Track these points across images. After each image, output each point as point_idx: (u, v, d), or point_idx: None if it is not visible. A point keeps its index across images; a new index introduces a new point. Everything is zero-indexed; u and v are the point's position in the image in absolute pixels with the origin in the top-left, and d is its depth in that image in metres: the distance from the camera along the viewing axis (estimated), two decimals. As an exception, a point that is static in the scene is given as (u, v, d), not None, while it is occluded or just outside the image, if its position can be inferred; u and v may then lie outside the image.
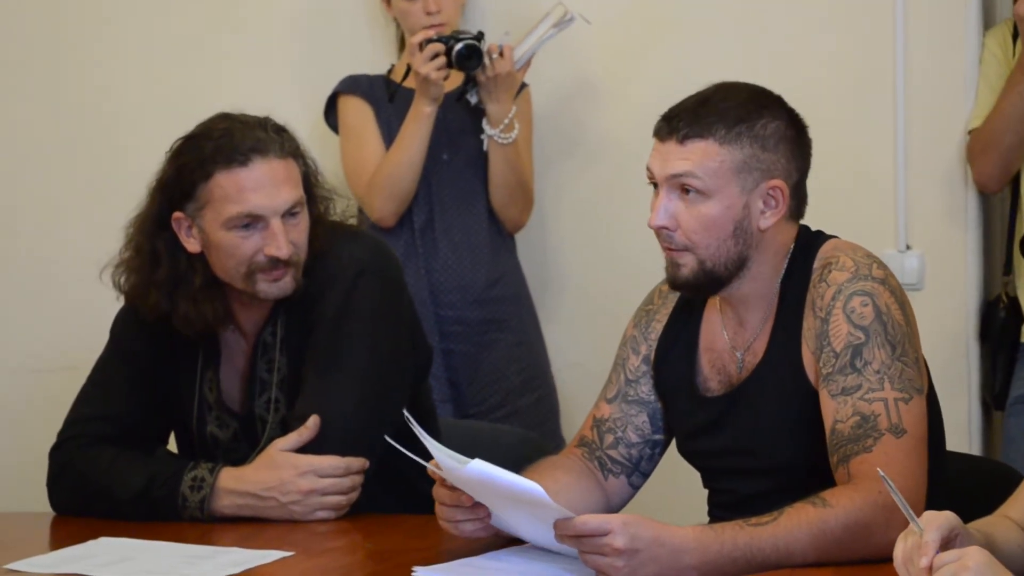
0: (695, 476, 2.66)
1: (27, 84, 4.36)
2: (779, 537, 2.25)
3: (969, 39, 3.90)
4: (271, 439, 2.77)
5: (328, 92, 4.00)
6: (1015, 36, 3.77)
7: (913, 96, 3.95)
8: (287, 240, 2.74)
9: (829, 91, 3.94)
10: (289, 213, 2.76)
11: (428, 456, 2.39)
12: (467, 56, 3.80)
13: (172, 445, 2.98)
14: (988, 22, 3.96)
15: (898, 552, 1.97)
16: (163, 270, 2.80)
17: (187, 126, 2.83)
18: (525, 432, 3.44)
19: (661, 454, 2.67)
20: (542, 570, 2.32)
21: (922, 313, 2.59)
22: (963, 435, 3.90)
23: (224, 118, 2.80)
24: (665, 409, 2.64)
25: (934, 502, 2.25)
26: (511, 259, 4.03)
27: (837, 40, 4.00)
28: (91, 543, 2.62)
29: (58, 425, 2.90)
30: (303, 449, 2.72)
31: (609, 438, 2.64)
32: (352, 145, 3.96)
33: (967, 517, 2.07)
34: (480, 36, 3.84)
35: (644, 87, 4.05)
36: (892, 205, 3.97)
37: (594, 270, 4.17)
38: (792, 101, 2.53)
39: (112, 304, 2.94)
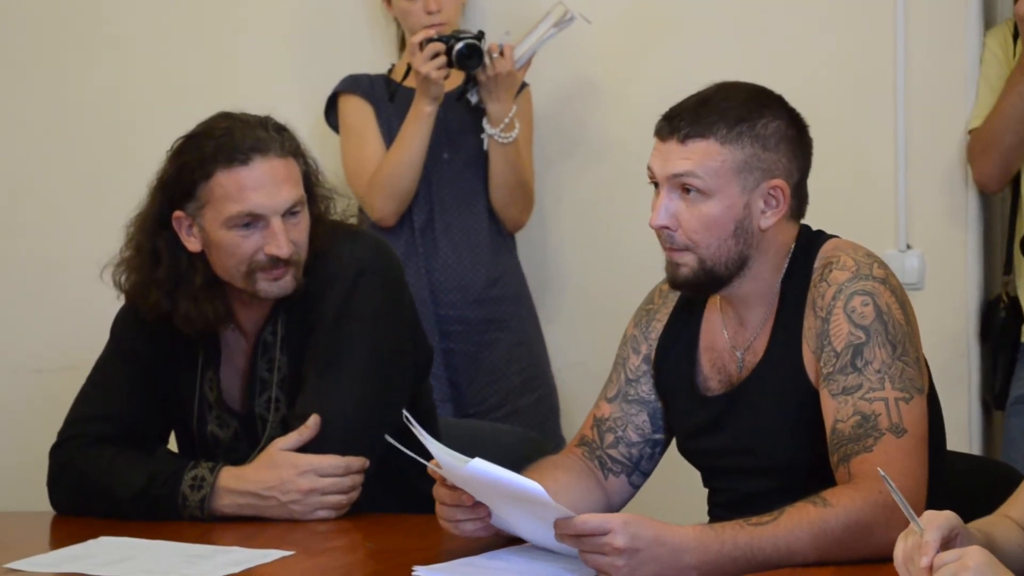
0: (695, 475, 2.66)
1: (28, 84, 4.36)
2: (780, 537, 2.25)
3: (970, 39, 3.90)
4: (271, 438, 2.77)
5: (328, 91, 4.00)
6: (1016, 36, 3.77)
7: (914, 96, 3.95)
8: (287, 239, 2.74)
9: (830, 91, 3.94)
10: (289, 212, 2.76)
11: (429, 456, 2.39)
12: (467, 55, 3.80)
13: (172, 444, 2.98)
14: (989, 22, 3.96)
15: (898, 552, 1.97)
16: (164, 269, 2.80)
17: (188, 125, 2.83)
18: (525, 432, 3.44)
19: (661, 453, 2.67)
20: (542, 569, 2.32)
21: (922, 313, 2.59)
22: (963, 435, 3.91)
23: (225, 117, 2.80)
24: (665, 408, 2.64)
25: (934, 502, 2.25)
26: (511, 259, 4.03)
27: (837, 40, 4.00)
28: (91, 542, 2.62)
29: (58, 425, 2.90)
30: (303, 448, 2.72)
31: (609, 437, 2.64)
32: (352, 144, 3.96)
33: (967, 517, 2.07)
34: (480, 35, 3.84)
35: (644, 87, 4.05)
36: (892, 205, 3.97)
37: (594, 270, 4.17)
38: (793, 101, 2.53)
39: (112, 304, 2.94)
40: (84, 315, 3.74)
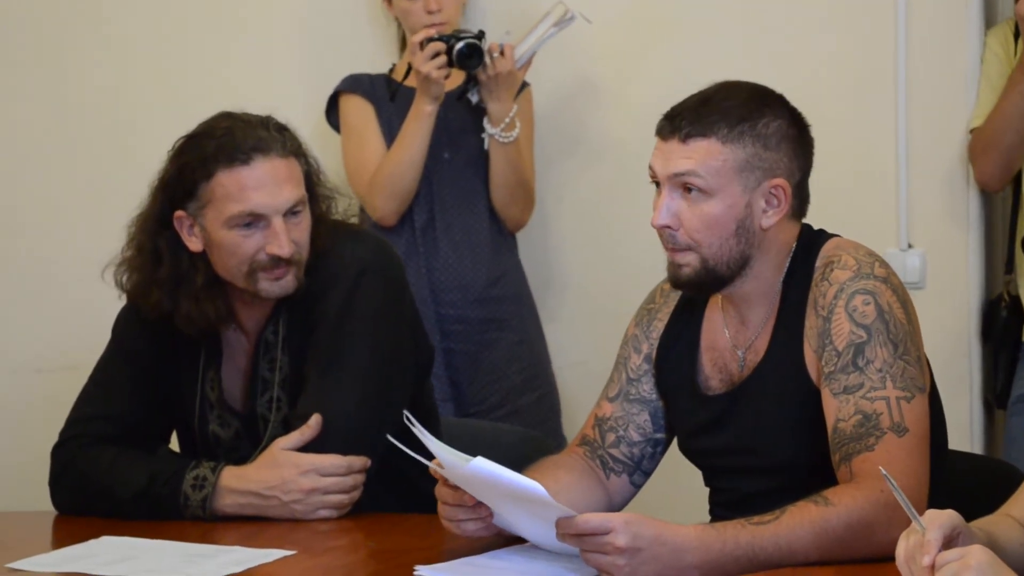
0: (696, 475, 2.66)
1: (28, 84, 4.36)
2: (781, 536, 2.25)
3: (971, 38, 3.90)
4: (273, 438, 2.77)
5: (329, 91, 4.00)
6: (1017, 35, 3.77)
7: (915, 95, 3.95)
8: (289, 239, 2.75)
9: (831, 90, 3.94)
10: (291, 212, 2.76)
11: (430, 455, 2.39)
12: (468, 55, 3.80)
13: (174, 444, 2.98)
14: (990, 21, 3.96)
15: (900, 551, 1.97)
16: (165, 269, 2.80)
17: (188, 126, 2.83)
18: (526, 431, 3.44)
19: (663, 453, 2.67)
20: (544, 569, 2.32)
21: (924, 312, 2.59)
22: (965, 434, 3.91)
23: (226, 117, 2.80)
24: (667, 408, 2.64)
25: (936, 501, 2.25)
26: (512, 258, 4.03)
27: (839, 39, 4.00)
28: (93, 542, 2.62)
29: (60, 424, 2.90)
30: (305, 448, 2.72)
31: (611, 437, 2.64)
32: (353, 144, 3.96)
33: (969, 516, 2.07)
34: (481, 35, 3.84)
35: (645, 86, 4.05)
36: (894, 204, 3.97)
37: (595, 269, 4.17)
38: (794, 100, 2.53)
39: (113, 303, 2.94)
40: (85, 315, 3.74)
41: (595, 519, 2.22)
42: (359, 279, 2.81)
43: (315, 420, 2.73)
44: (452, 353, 3.93)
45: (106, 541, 2.62)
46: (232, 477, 2.73)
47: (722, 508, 2.58)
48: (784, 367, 2.49)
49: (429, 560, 2.37)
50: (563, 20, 3.87)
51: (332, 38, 4.23)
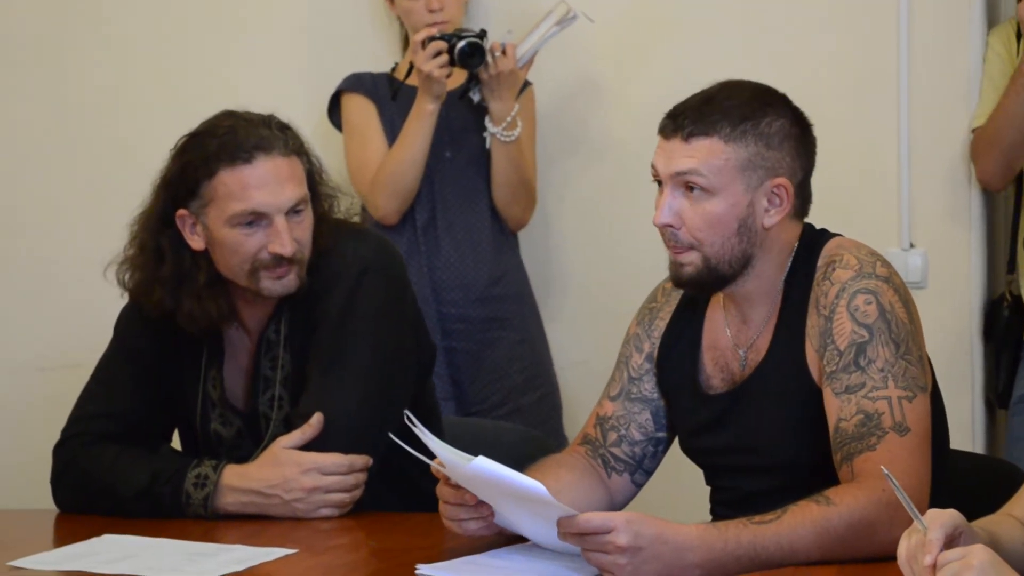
0: (698, 474, 2.66)
1: (28, 84, 4.36)
2: (783, 535, 2.25)
3: (973, 38, 3.90)
4: (275, 436, 2.77)
5: (332, 90, 4.00)
6: (1019, 35, 3.77)
7: (917, 94, 3.95)
8: (291, 238, 2.75)
9: (832, 90, 3.94)
10: (293, 211, 2.76)
11: (432, 454, 2.39)
12: (469, 54, 3.80)
13: (176, 443, 2.98)
14: (992, 21, 3.96)
15: (902, 550, 1.97)
16: (167, 267, 2.80)
17: (189, 125, 2.83)
18: (528, 430, 3.44)
19: (664, 452, 2.67)
20: (545, 568, 2.32)
21: (926, 311, 2.59)
22: (967, 433, 3.91)
23: (228, 116, 2.80)
24: (668, 407, 2.64)
25: (938, 500, 2.25)
26: (513, 257, 4.03)
27: (841, 39, 4.00)
28: (95, 540, 2.61)
29: (61, 423, 2.90)
30: (307, 447, 2.72)
31: (612, 436, 2.64)
32: (355, 143, 3.96)
33: (971, 515, 2.07)
34: (483, 34, 3.84)
35: (647, 85, 4.05)
36: (896, 203, 3.97)
37: (597, 268, 4.17)
38: (796, 100, 2.53)
39: (114, 302, 2.94)
40: (86, 313, 3.74)
41: (597, 518, 2.22)
42: (361, 278, 2.81)
43: (317, 419, 2.73)
44: (453, 352, 3.93)
45: (108, 539, 2.62)
46: (234, 476, 2.73)
47: (723, 507, 2.58)
48: (786, 366, 2.48)
49: (430, 559, 2.37)
50: (565, 19, 3.87)
51: (334, 37, 4.23)
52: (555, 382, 4.04)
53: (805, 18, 4.02)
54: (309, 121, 3.88)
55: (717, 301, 2.60)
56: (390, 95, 3.95)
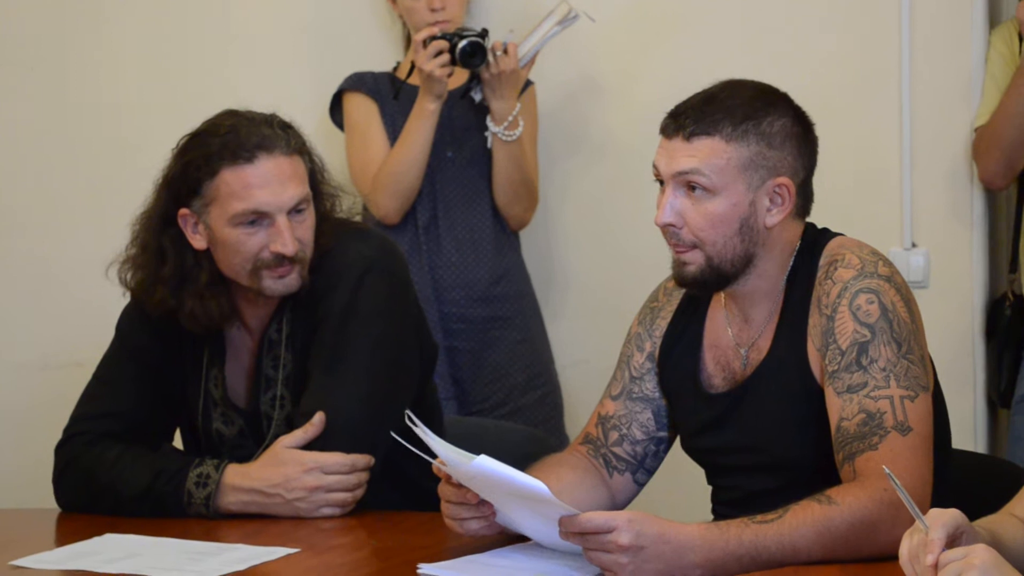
0: (699, 473, 2.66)
1: (28, 84, 4.36)
2: (784, 535, 2.25)
3: (975, 37, 3.90)
4: (276, 436, 2.77)
5: (333, 89, 4.00)
6: (1021, 34, 3.77)
7: (919, 94, 3.95)
8: (293, 237, 2.74)
9: (834, 89, 3.94)
10: (295, 210, 2.76)
11: (434, 453, 2.39)
12: (471, 53, 3.80)
13: (178, 442, 2.98)
14: (994, 20, 3.96)
15: (904, 550, 1.97)
16: (169, 267, 2.80)
17: (191, 125, 2.83)
18: (529, 429, 3.44)
19: (666, 451, 2.67)
20: (546, 567, 2.32)
21: (928, 311, 2.59)
22: (969, 433, 3.91)
23: (230, 115, 2.80)
24: (670, 406, 2.64)
25: (940, 500, 2.25)
26: (515, 256, 4.03)
27: (842, 38, 4.00)
28: (96, 539, 2.62)
29: (63, 422, 2.90)
30: (309, 446, 2.72)
31: (614, 435, 2.64)
32: (357, 142, 3.96)
33: (973, 515, 2.07)
34: (484, 33, 3.84)
35: (648, 85, 4.05)
36: (898, 203, 3.97)
37: (598, 267, 4.17)
38: (797, 99, 2.53)
39: (116, 301, 2.94)
40: (88, 312, 3.74)
41: (598, 517, 2.22)
42: (363, 277, 2.81)
43: (319, 418, 2.73)
44: (455, 351, 3.93)
45: (109, 538, 2.62)
46: (236, 475, 2.73)
47: (725, 507, 2.58)
48: (787, 366, 2.48)
49: (432, 558, 2.37)
50: (566, 18, 3.87)
51: (336, 36, 4.23)
52: (556, 381, 4.04)
53: (807, 17, 4.02)
54: (311, 120, 3.88)
55: (718, 300, 2.60)
56: (392, 94, 3.95)
